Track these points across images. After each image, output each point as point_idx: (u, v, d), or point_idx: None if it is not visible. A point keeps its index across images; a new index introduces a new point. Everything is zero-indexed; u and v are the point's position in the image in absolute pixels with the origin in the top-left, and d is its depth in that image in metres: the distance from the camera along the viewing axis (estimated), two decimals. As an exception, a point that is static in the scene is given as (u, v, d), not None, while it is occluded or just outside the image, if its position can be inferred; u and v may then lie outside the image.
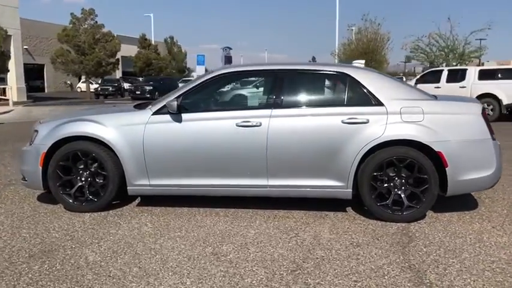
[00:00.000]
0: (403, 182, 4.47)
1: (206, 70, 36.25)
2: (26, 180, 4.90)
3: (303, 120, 4.50)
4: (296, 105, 4.62)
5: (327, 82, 4.88)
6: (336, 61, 40.09)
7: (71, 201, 4.75)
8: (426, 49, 28.23)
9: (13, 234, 4.14)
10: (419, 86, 14.21)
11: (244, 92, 5.51)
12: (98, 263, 3.52)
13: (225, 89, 5.21)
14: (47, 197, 5.20)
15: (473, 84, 15.39)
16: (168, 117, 4.62)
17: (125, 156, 4.61)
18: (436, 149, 4.33)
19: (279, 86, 4.65)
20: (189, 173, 4.63)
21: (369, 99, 4.51)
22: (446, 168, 4.35)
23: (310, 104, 4.68)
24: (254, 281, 3.22)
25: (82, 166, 4.76)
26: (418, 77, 18.39)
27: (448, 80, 16.03)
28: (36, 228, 4.31)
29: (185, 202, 5.01)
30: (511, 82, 14.93)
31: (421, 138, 4.33)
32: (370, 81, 4.59)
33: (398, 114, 4.40)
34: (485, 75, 15.49)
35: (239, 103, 5.11)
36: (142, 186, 4.70)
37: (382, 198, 4.49)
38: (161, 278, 3.26)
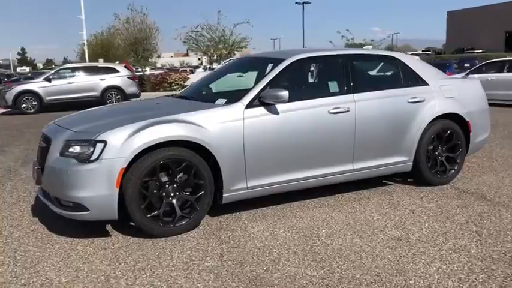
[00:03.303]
0: (444, 150, 5.21)
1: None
2: (86, 210, 3.58)
3: (380, 103, 4.71)
4: (368, 88, 4.75)
5: (384, 65, 5.16)
6: (86, 52, 37.98)
7: (161, 225, 3.75)
8: (198, 39, 29.75)
9: (190, 279, 3.11)
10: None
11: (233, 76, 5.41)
12: (329, 275, 3.08)
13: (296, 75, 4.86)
14: (65, 225, 3.92)
15: None
16: (262, 109, 4.13)
17: (223, 160, 3.92)
18: (466, 119, 5.21)
19: (352, 70, 4.70)
20: (287, 167, 4.27)
21: (416, 80, 5.05)
22: (470, 134, 5.30)
23: (379, 87, 4.87)
24: (481, 253, 3.44)
25: (167, 179, 3.80)
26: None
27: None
28: (178, 266, 3.32)
29: (247, 202, 4.55)
30: None
31: (459, 111, 5.15)
32: (413, 63, 5.13)
33: (440, 92, 5.09)
34: None
35: (318, 90, 4.88)
36: (240, 190, 4.08)
37: (432, 166, 5.13)
38: (415, 272, 3.14)
